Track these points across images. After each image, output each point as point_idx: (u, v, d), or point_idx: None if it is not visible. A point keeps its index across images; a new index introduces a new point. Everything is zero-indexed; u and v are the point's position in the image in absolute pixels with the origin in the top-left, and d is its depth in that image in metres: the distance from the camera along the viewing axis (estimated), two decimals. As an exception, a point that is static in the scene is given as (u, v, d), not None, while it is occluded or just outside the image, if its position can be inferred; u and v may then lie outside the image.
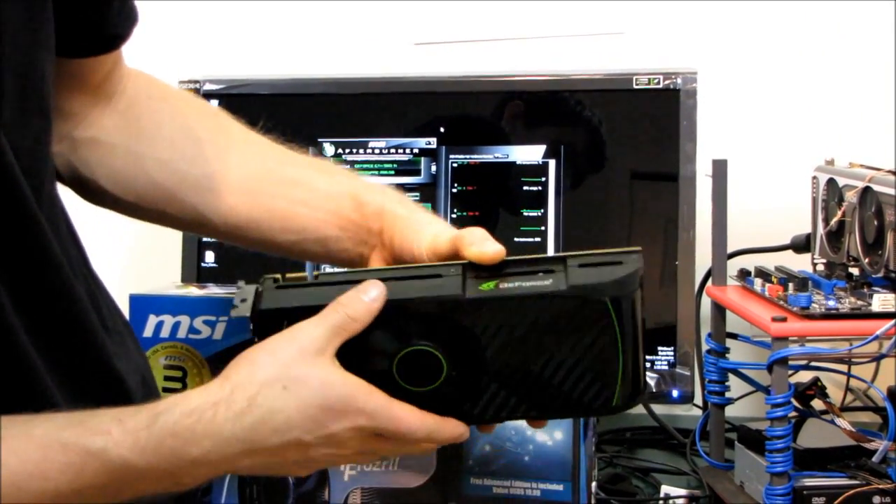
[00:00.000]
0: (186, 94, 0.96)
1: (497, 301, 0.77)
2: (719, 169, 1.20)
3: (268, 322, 0.79)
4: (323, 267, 1.26)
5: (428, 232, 0.87)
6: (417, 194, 1.40)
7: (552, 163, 1.40)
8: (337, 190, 0.92)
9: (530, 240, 1.39)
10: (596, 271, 0.78)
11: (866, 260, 1.12)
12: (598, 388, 0.79)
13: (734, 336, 1.21)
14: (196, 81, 1.44)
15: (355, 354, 0.77)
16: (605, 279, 0.77)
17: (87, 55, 0.85)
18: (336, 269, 0.83)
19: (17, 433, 0.64)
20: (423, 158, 1.42)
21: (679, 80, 1.38)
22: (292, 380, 0.72)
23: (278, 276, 0.81)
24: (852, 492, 1.05)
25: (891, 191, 1.08)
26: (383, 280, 0.79)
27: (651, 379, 1.37)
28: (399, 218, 0.90)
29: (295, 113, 1.46)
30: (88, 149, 0.90)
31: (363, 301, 0.77)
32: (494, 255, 0.79)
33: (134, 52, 0.93)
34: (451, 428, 0.78)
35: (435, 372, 0.78)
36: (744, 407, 1.34)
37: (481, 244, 0.80)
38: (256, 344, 0.77)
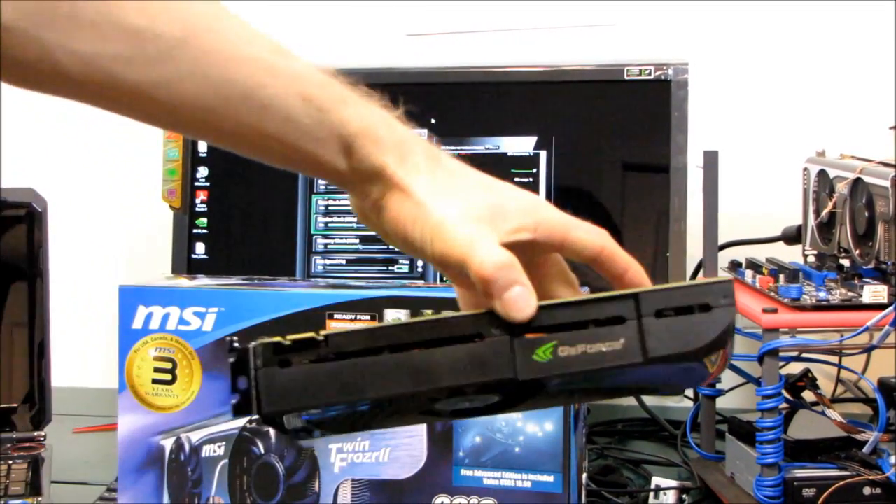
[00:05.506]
0: None
1: (557, 376, 0.64)
2: (710, 160, 1.20)
3: (275, 422, 0.66)
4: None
5: (435, 220, 0.67)
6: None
7: (543, 154, 1.40)
8: (321, 131, 0.69)
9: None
10: (680, 328, 0.63)
11: (857, 251, 1.12)
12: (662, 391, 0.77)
13: (725, 327, 1.20)
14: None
15: None
16: (692, 345, 0.63)
17: None
18: (348, 328, 0.66)
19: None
20: (414, 150, 1.42)
21: (670, 72, 1.38)
22: None
23: (277, 339, 0.63)
24: (842, 483, 1.06)
25: (881, 182, 1.08)
26: (413, 346, 0.63)
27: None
28: (398, 191, 0.69)
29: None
30: None
31: None
32: (527, 317, 0.63)
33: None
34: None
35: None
36: (734, 398, 1.35)
37: (511, 303, 0.64)
38: None
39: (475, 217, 0.67)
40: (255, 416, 0.63)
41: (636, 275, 0.69)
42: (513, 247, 0.65)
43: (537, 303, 0.63)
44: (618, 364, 0.63)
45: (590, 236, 0.69)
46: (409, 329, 0.63)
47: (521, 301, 0.63)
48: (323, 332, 0.63)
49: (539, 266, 0.68)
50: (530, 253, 0.67)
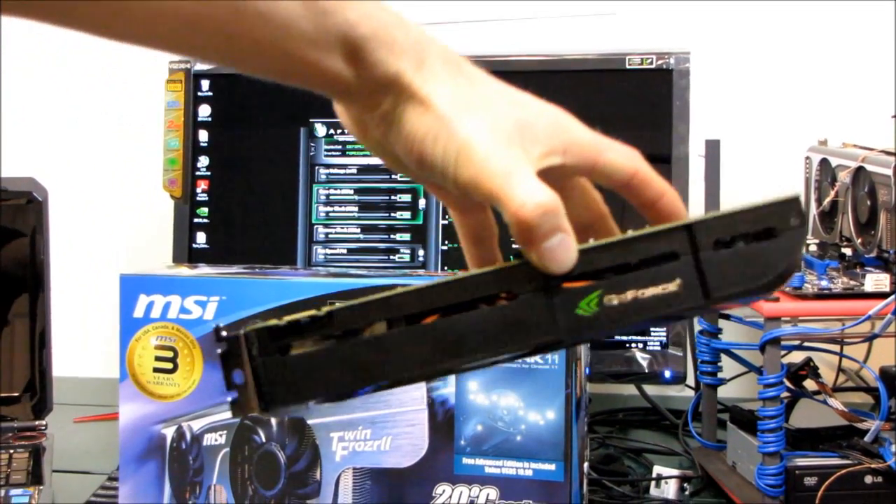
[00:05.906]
0: None
1: (605, 330, 0.55)
2: (712, 149, 1.20)
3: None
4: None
5: (461, 139, 0.57)
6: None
7: (545, 143, 1.40)
8: (324, 36, 0.57)
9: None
10: (744, 259, 0.54)
11: (859, 240, 1.12)
12: None
13: (726, 317, 1.21)
14: (187, 61, 1.43)
15: None
16: (760, 279, 0.54)
17: None
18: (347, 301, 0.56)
19: None
20: (415, 139, 1.41)
21: (672, 61, 1.38)
22: None
23: (272, 322, 0.54)
24: (844, 471, 1.06)
25: (884, 171, 1.08)
26: (433, 314, 0.54)
27: (643, 360, 1.37)
28: (416, 103, 0.59)
29: (287, 93, 1.45)
30: None
31: None
32: (568, 269, 0.54)
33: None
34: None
35: None
36: (736, 387, 1.35)
37: (551, 254, 0.53)
38: None
39: (505, 138, 0.57)
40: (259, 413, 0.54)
41: (671, 201, 0.60)
42: (541, 175, 0.56)
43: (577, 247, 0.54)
44: (675, 310, 0.54)
45: (624, 158, 0.61)
46: (425, 294, 0.54)
47: (562, 251, 0.54)
48: (325, 308, 0.54)
49: (561, 193, 0.55)
50: (554, 178, 0.56)
